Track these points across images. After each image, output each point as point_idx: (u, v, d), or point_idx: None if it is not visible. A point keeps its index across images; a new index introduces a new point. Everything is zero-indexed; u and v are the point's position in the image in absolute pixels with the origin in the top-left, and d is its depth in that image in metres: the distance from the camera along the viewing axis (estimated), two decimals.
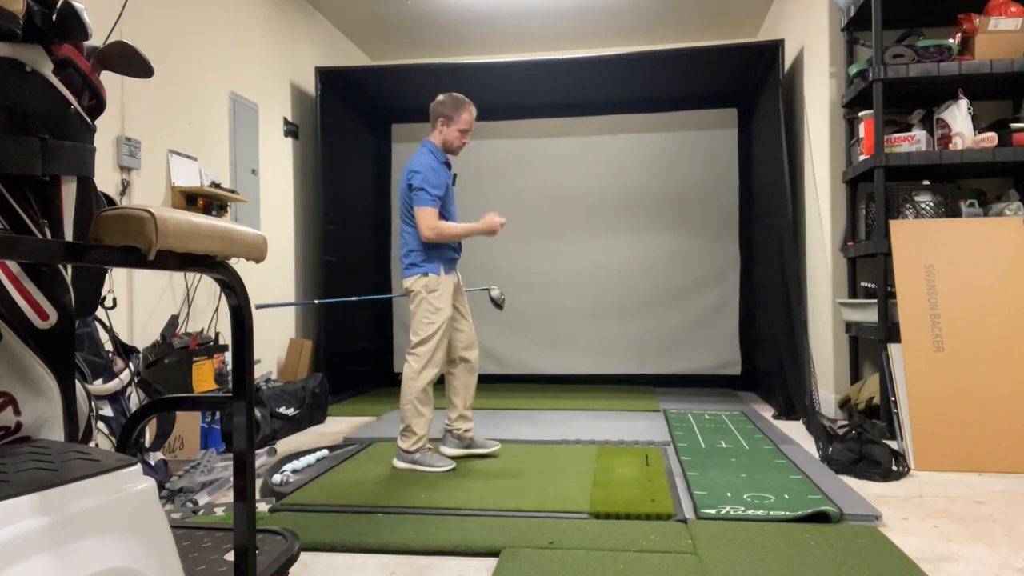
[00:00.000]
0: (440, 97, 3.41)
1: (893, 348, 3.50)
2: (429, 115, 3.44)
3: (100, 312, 2.40)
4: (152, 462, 2.63)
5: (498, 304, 3.44)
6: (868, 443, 3.12)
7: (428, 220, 3.24)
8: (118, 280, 3.53)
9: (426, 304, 3.27)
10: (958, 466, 3.19)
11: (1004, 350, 3.32)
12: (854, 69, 4.07)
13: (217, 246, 1.22)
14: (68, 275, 1.22)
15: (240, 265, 2.18)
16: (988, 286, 3.41)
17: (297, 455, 3.40)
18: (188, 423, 3.38)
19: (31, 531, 0.83)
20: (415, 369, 3.27)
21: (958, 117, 3.78)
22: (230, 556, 1.57)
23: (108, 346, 2.47)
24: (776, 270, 4.95)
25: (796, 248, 4.89)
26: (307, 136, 5.71)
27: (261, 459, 3.46)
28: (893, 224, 3.63)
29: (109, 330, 2.40)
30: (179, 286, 3.97)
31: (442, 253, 3.33)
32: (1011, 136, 3.70)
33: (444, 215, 3.34)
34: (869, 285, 4.11)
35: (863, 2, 3.91)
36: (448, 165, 3.42)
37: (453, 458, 3.36)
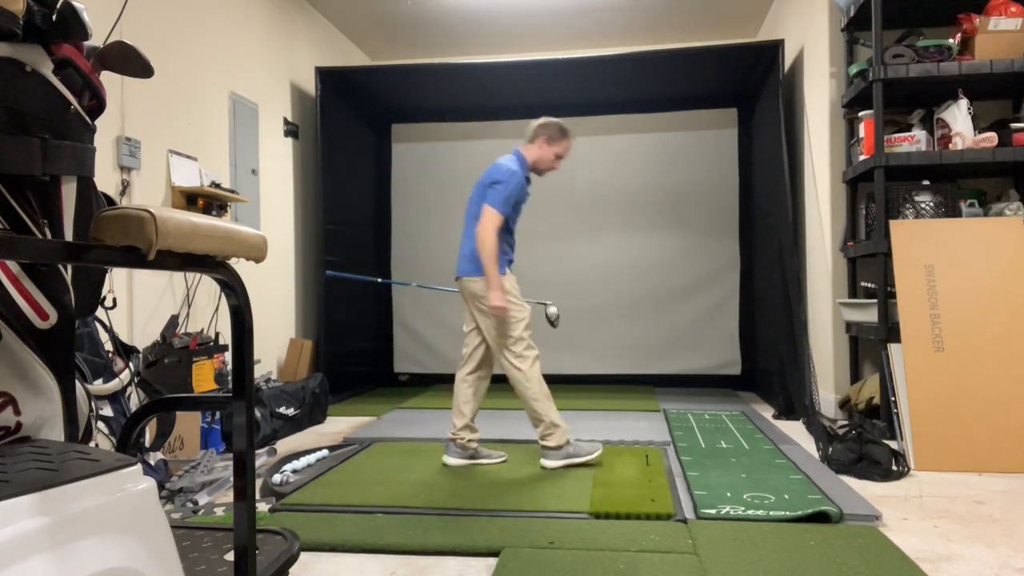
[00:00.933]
0: (546, 119, 3.43)
1: (893, 348, 3.50)
2: (530, 133, 3.43)
3: (100, 312, 2.40)
4: (152, 462, 2.64)
5: (553, 323, 3.36)
6: (868, 443, 3.12)
7: (493, 222, 3.22)
8: (118, 280, 3.53)
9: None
10: (958, 466, 3.19)
11: (1004, 350, 3.32)
12: (854, 69, 4.07)
13: (217, 246, 1.22)
14: (68, 275, 1.22)
15: (240, 265, 2.18)
16: (988, 286, 3.41)
17: (297, 455, 3.40)
18: (188, 423, 3.38)
19: (31, 531, 0.83)
20: (524, 372, 3.24)
21: (958, 117, 3.78)
22: (230, 556, 1.57)
23: (108, 346, 2.47)
24: (776, 270, 4.95)
25: (796, 248, 4.89)
26: (307, 136, 5.71)
27: (261, 459, 3.46)
28: (893, 224, 3.63)
29: (109, 330, 2.40)
30: (179, 286, 3.97)
31: (504, 255, 3.34)
32: (1011, 136, 3.70)
33: (508, 223, 3.34)
34: (869, 285, 4.11)
35: (863, 2, 3.91)
36: (528, 181, 3.43)
37: (454, 467, 3.29)
